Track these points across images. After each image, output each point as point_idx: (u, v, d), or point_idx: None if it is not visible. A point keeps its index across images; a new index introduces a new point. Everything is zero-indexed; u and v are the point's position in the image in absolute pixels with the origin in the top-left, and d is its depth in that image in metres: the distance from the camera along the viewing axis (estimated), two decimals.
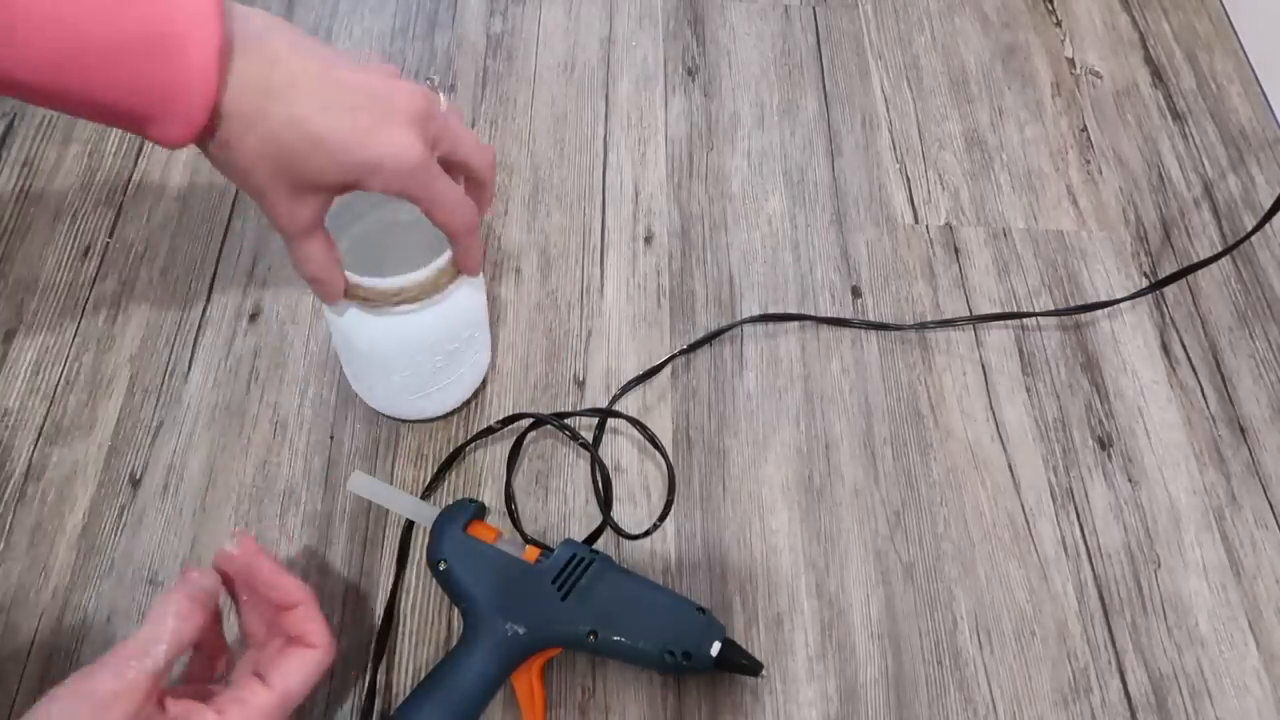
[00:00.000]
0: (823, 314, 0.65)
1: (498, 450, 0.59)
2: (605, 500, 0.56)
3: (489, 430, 0.58)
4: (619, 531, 0.56)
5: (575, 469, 0.59)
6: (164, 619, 0.38)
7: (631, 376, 0.62)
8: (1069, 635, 0.55)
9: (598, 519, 0.56)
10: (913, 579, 0.56)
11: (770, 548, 0.57)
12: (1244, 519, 0.59)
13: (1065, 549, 0.58)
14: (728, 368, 0.63)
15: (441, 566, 0.49)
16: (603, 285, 0.66)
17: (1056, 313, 0.66)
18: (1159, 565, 0.57)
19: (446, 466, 0.58)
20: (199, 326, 0.62)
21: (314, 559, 0.55)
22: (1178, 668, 0.54)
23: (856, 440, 0.61)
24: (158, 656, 0.37)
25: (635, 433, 0.59)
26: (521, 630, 0.47)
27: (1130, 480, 0.60)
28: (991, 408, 0.63)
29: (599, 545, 0.55)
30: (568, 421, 0.59)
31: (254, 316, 0.63)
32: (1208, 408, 0.63)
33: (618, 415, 0.59)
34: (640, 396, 0.61)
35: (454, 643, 0.50)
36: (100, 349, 0.61)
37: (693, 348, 0.63)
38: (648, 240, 0.68)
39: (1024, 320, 0.66)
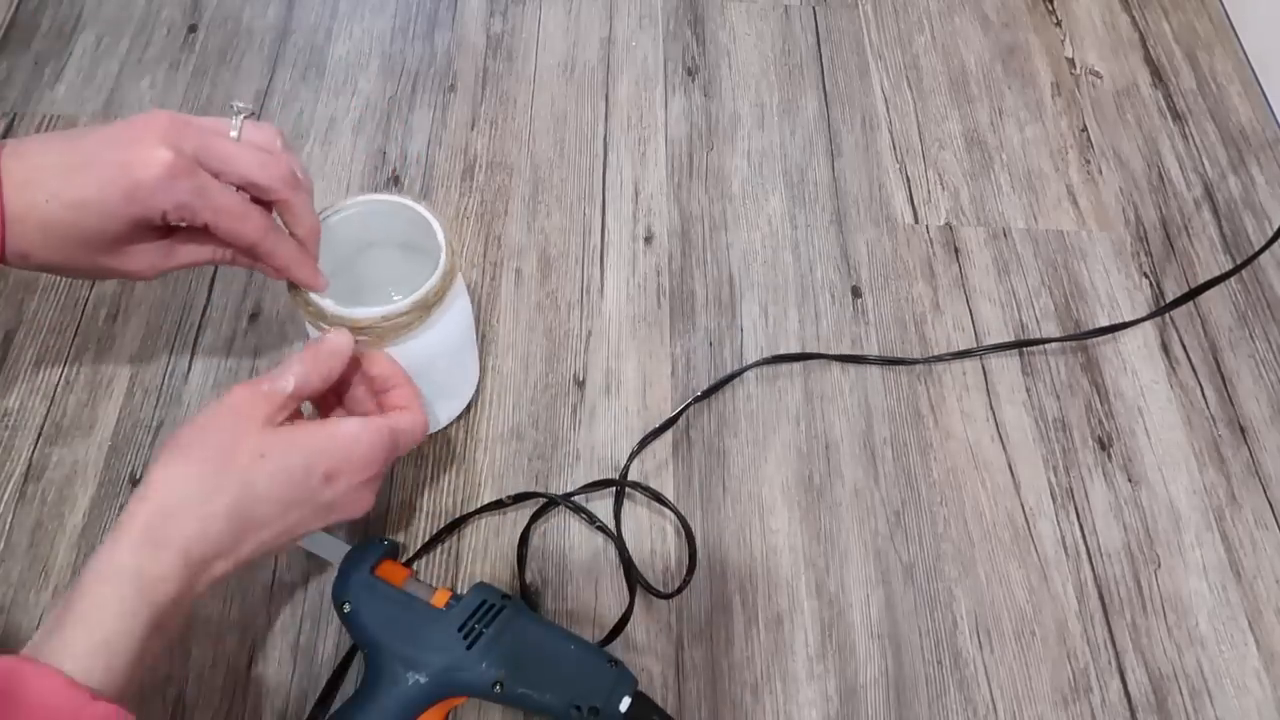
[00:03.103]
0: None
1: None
2: (629, 579, 0.55)
3: (498, 504, 0.57)
4: (650, 590, 0.54)
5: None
6: (294, 363, 0.44)
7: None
8: (1069, 635, 0.55)
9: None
10: (913, 579, 0.56)
11: (770, 548, 0.57)
12: (1244, 519, 0.59)
13: (1065, 549, 0.58)
14: (728, 367, 0.63)
15: (345, 608, 0.47)
16: (603, 285, 0.66)
17: (1065, 339, 0.65)
18: (1159, 565, 0.58)
19: (447, 533, 0.56)
20: (199, 327, 0.62)
21: (313, 560, 0.55)
22: (1178, 668, 0.54)
23: (856, 440, 0.61)
24: (287, 381, 0.42)
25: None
26: (423, 679, 0.45)
27: (1130, 480, 0.60)
28: (991, 408, 0.63)
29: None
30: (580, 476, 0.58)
31: (254, 316, 0.63)
32: (1208, 408, 0.63)
33: (633, 485, 0.58)
34: (640, 397, 0.61)
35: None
36: (100, 349, 0.61)
37: (707, 394, 0.61)
38: (648, 240, 0.68)
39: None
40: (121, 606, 0.36)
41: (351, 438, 0.43)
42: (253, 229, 0.44)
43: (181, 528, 0.38)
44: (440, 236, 0.50)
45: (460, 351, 0.56)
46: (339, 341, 0.46)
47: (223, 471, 0.39)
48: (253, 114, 0.45)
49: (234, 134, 0.44)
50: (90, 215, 0.41)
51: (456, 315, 0.52)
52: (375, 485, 0.46)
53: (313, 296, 0.48)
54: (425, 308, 0.48)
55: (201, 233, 0.45)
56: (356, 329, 0.47)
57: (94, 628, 0.35)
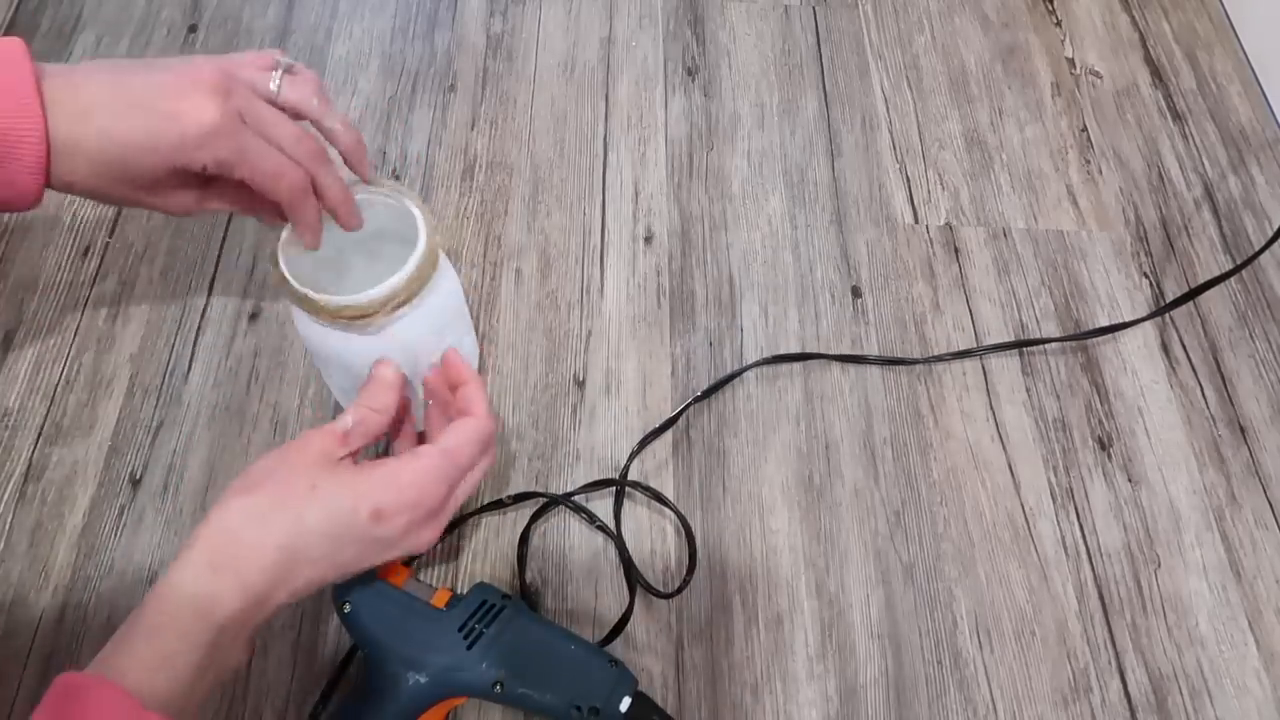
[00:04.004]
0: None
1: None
2: (629, 579, 0.55)
3: (498, 504, 0.57)
4: (650, 590, 0.54)
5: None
6: (358, 407, 0.45)
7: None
8: (1069, 635, 0.55)
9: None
10: (913, 579, 0.56)
11: (770, 548, 0.57)
12: (1244, 519, 0.59)
13: (1065, 549, 0.58)
14: (728, 367, 0.63)
15: (346, 608, 0.48)
16: (603, 285, 0.66)
17: (1065, 339, 0.65)
18: (1159, 565, 0.58)
19: (447, 532, 0.56)
20: (199, 326, 0.62)
21: None
22: (1178, 668, 0.54)
23: (856, 440, 0.61)
24: (345, 419, 0.44)
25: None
26: (423, 679, 0.45)
27: (1130, 480, 0.60)
28: (991, 408, 0.63)
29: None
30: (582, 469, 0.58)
31: (254, 316, 0.63)
32: (1208, 408, 0.63)
33: (633, 485, 0.58)
34: (640, 397, 0.61)
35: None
36: (100, 349, 0.61)
37: (707, 394, 0.61)
38: (648, 240, 0.68)
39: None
40: (180, 625, 0.38)
41: (392, 477, 0.43)
42: (285, 189, 0.46)
43: (237, 554, 0.39)
44: (417, 214, 0.49)
45: (454, 327, 0.55)
46: (385, 373, 0.47)
47: (279, 505, 0.41)
48: (291, 67, 0.47)
49: (274, 86, 0.46)
50: (137, 154, 0.43)
51: (445, 292, 0.51)
52: (439, 519, 0.46)
53: (309, 292, 0.47)
54: (420, 281, 0.48)
55: (237, 183, 0.47)
56: (354, 314, 0.47)
57: (156, 644, 0.37)
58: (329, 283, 0.49)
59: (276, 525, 0.40)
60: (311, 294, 0.47)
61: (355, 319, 0.47)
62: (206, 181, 0.47)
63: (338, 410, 0.59)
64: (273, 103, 0.46)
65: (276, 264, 0.48)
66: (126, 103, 0.43)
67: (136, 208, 0.47)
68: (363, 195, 0.50)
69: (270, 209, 0.48)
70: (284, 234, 0.49)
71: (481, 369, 0.62)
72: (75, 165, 0.43)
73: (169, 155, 0.43)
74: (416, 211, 0.50)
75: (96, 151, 0.43)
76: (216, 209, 0.49)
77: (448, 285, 0.52)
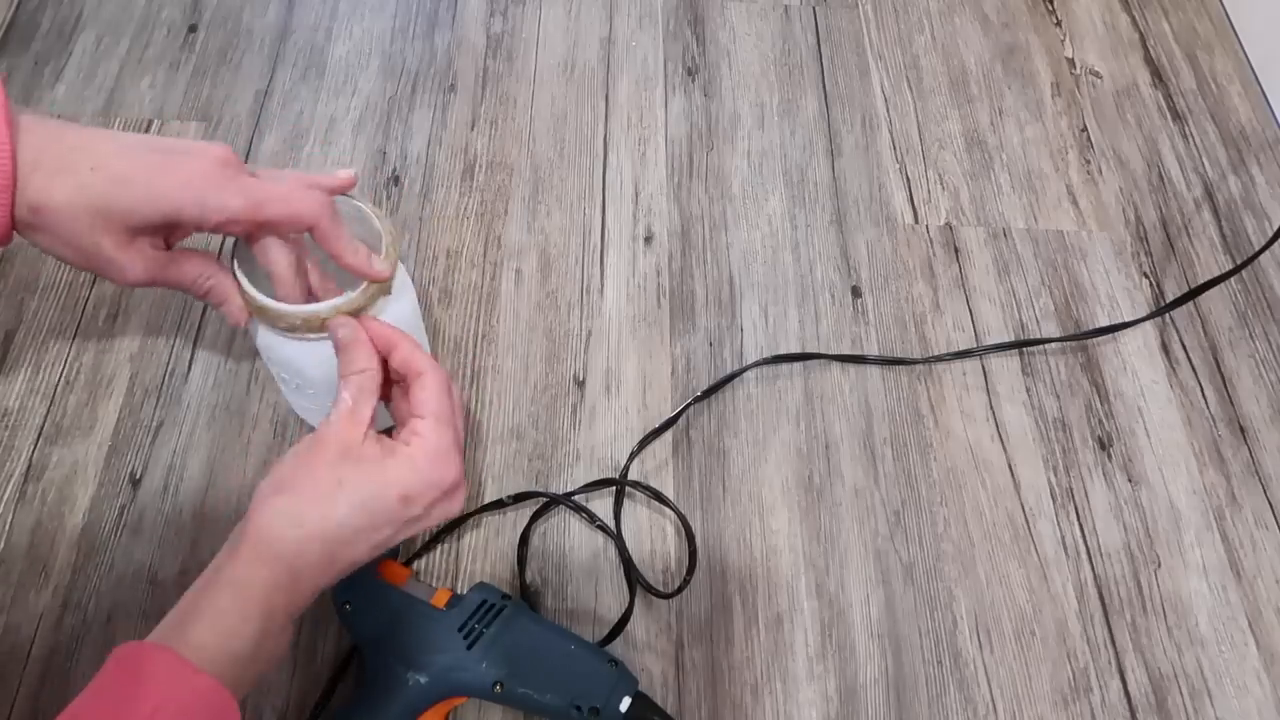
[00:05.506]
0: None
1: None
2: (629, 579, 0.55)
3: (498, 504, 0.57)
4: (650, 590, 0.54)
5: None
6: (346, 379, 0.45)
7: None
8: (1069, 635, 0.55)
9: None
10: (913, 579, 0.56)
11: (770, 548, 0.57)
12: (1244, 519, 0.59)
13: (1065, 549, 0.58)
14: (728, 367, 0.63)
15: (346, 608, 0.48)
16: (603, 285, 0.66)
17: (1065, 339, 0.65)
18: (1159, 565, 0.58)
19: (447, 533, 0.56)
20: (199, 326, 0.62)
21: None
22: (1178, 668, 0.54)
23: (856, 440, 0.61)
24: (343, 399, 0.44)
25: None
26: (423, 679, 0.46)
27: (1130, 480, 0.60)
28: (991, 408, 0.63)
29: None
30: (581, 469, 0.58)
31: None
32: (1208, 408, 0.63)
33: (633, 485, 0.58)
34: (640, 397, 0.61)
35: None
36: (100, 349, 0.61)
37: (707, 394, 0.61)
38: (648, 240, 0.68)
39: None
40: (241, 609, 0.39)
41: (409, 461, 0.44)
42: (305, 211, 0.45)
43: (283, 550, 0.41)
44: (378, 223, 0.49)
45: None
46: (345, 333, 0.46)
47: (312, 503, 0.42)
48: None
49: None
50: (128, 196, 0.43)
51: (401, 304, 0.50)
52: (461, 487, 0.45)
53: (264, 299, 0.46)
54: (374, 295, 0.47)
55: (200, 258, 0.48)
56: (311, 323, 0.46)
57: (218, 630, 0.39)
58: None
59: (313, 522, 0.41)
60: (270, 303, 0.46)
61: (312, 328, 0.46)
62: (171, 250, 0.47)
63: (301, 421, 0.59)
64: None
65: (233, 274, 0.47)
66: (133, 145, 0.44)
67: (91, 270, 0.46)
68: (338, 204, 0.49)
69: (222, 291, 0.48)
70: (237, 246, 0.48)
71: (481, 370, 0.62)
72: (54, 191, 0.42)
73: (159, 200, 0.43)
74: (380, 227, 0.49)
75: (83, 183, 0.42)
76: (173, 281, 0.48)
77: (405, 300, 0.51)
